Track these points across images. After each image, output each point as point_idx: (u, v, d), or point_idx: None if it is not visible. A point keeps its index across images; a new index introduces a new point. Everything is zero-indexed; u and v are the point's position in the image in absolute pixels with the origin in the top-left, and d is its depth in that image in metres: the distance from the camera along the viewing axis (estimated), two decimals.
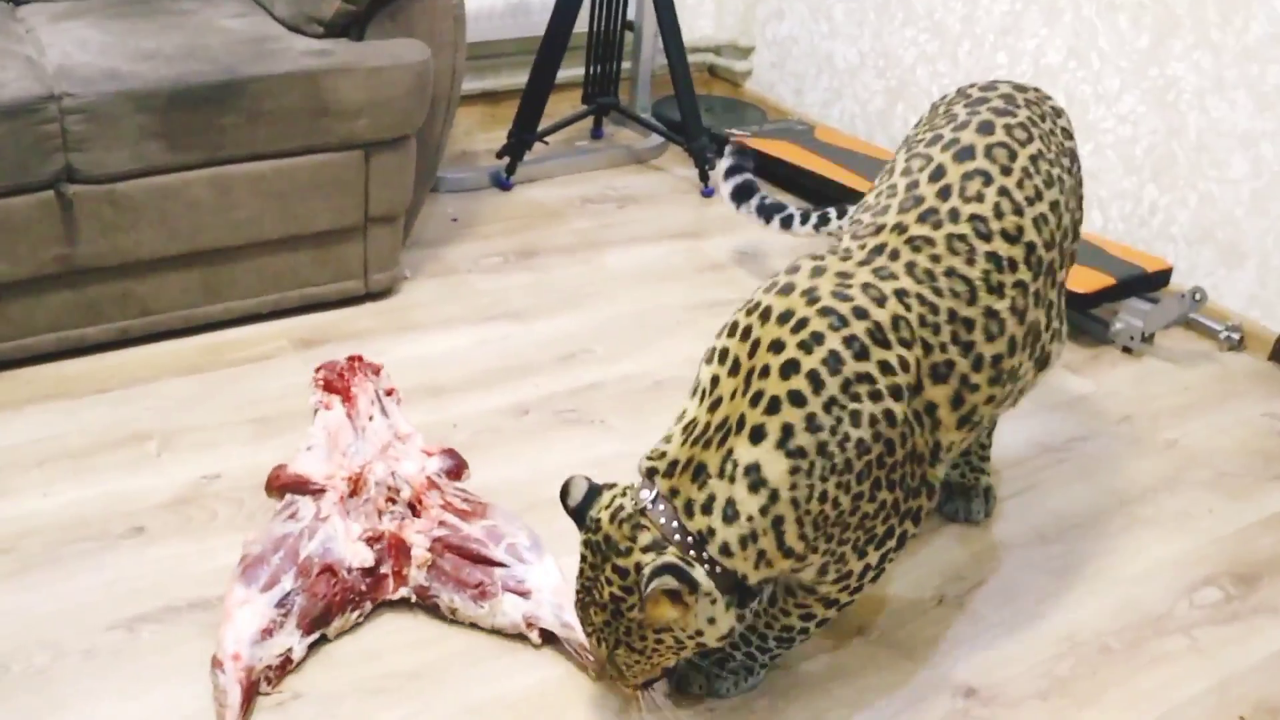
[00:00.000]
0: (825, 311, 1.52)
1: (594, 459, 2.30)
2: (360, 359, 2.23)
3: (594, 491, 1.61)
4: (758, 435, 1.49)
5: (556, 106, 3.81)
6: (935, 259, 1.62)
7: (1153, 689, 1.91)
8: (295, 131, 2.43)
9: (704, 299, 2.91)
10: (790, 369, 1.50)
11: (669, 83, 4.03)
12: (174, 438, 2.26)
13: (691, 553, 1.51)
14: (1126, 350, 2.87)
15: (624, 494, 1.57)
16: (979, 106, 1.78)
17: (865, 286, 1.57)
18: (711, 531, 1.50)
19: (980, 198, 1.66)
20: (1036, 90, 1.89)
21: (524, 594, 1.87)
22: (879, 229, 1.66)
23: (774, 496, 1.49)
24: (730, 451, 1.50)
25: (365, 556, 1.88)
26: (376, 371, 2.23)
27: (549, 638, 1.87)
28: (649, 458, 1.58)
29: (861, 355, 1.52)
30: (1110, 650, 1.98)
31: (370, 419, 2.14)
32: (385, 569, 1.89)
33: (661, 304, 2.87)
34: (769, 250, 3.17)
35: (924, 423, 1.60)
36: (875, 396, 1.51)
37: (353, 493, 1.98)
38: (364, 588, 1.87)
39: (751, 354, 1.53)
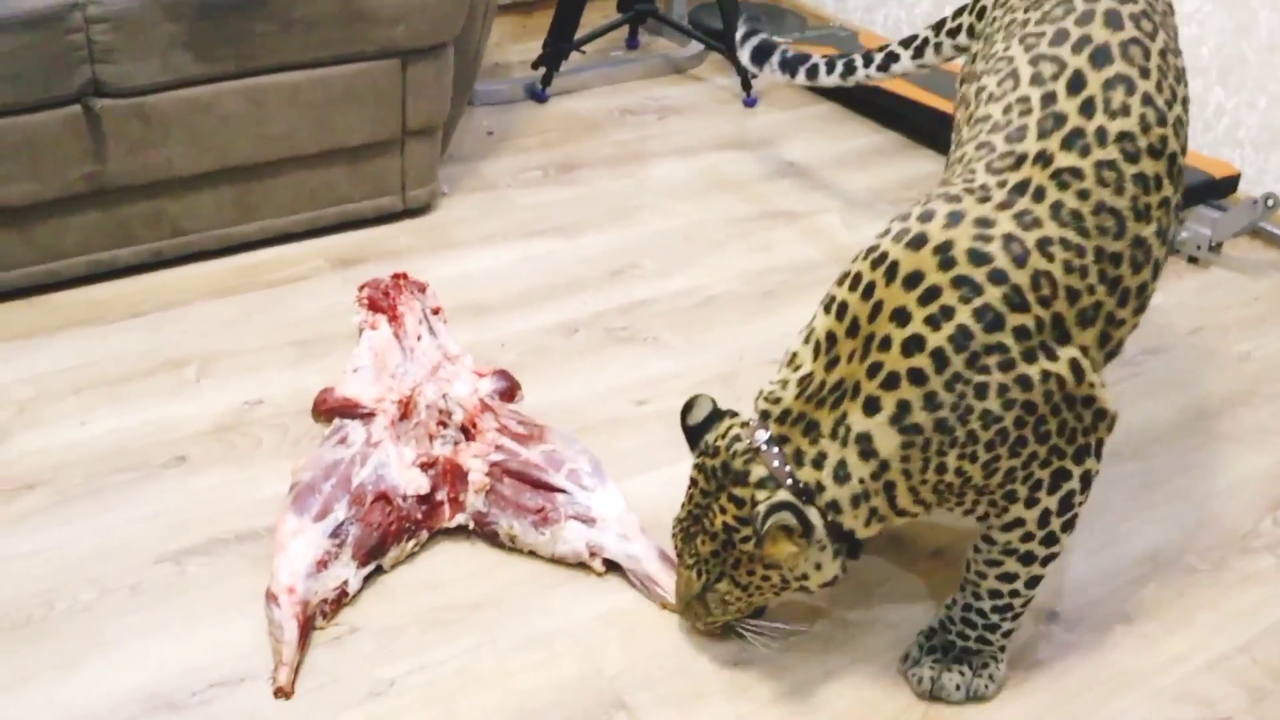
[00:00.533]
0: (958, 281, 1.39)
1: (648, 378, 2.22)
2: (405, 276, 2.14)
3: (716, 415, 1.57)
4: (872, 407, 1.42)
5: (589, 16, 3.66)
6: (1083, 195, 1.46)
7: (1242, 610, 1.83)
8: (329, 39, 2.32)
9: (752, 211, 2.80)
10: (913, 346, 1.40)
11: None
12: (212, 362, 2.17)
13: (801, 499, 1.46)
14: (1193, 260, 2.76)
15: (743, 425, 1.52)
16: None
17: (1007, 240, 1.42)
18: (821, 487, 1.46)
19: (1126, 110, 1.50)
20: None
21: (587, 521, 1.80)
22: (1019, 160, 1.48)
23: (885, 466, 1.44)
24: (845, 415, 1.44)
25: (420, 483, 1.80)
26: (423, 289, 2.15)
27: (612, 567, 1.80)
28: (766, 399, 1.52)
29: (994, 326, 1.39)
30: (1195, 571, 1.90)
31: (418, 339, 2.04)
32: (441, 496, 1.82)
33: (710, 217, 2.76)
34: (819, 161, 3.05)
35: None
36: (1007, 366, 1.39)
37: (403, 416, 1.88)
38: (420, 516, 1.80)
39: (872, 317, 1.43)
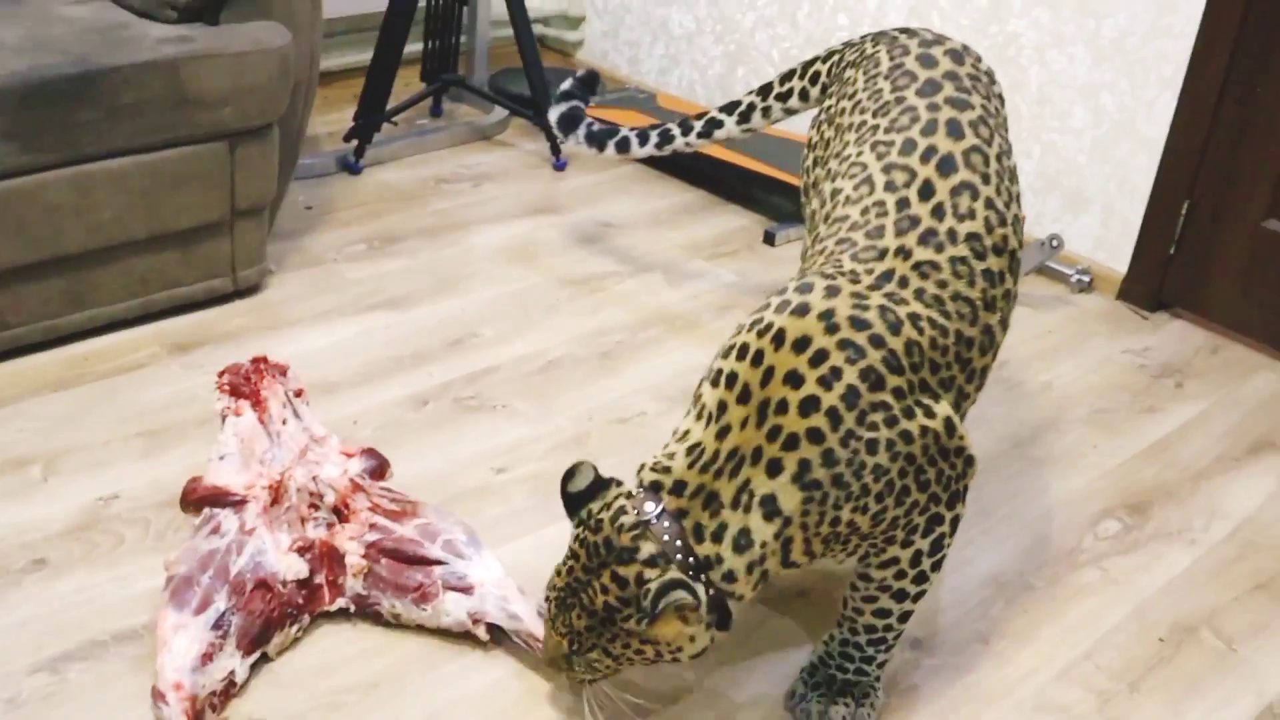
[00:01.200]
0: (844, 345, 1.49)
1: (504, 445, 2.26)
2: (265, 360, 2.11)
3: (598, 484, 1.57)
4: (774, 469, 1.47)
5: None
6: (942, 284, 1.60)
7: (1079, 622, 2.00)
8: (157, 124, 2.29)
9: (579, 273, 2.88)
10: (810, 406, 1.47)
11: (503, 56, 3.96)
12: (58, 460, 2.11)
13: (690, 574, 1.48)
14: None
15: (628, 497, 1.53)
16: (933, 94, 1.76)
17: (883, 310, 1.53)
18: (720, 559, 1.49)
19: (972, 214, 1.65)
20: (964, 49, 1.87)
21: (466, 590, 1.82)
22: (882, 253, 1.61)
23: (787, 522, 1.49)
24: (746, 482, 1.48)
25: (299, 568, 1.80)
26: (284, 372, 2.12)
27: (496, 631, 1.83)
28: (653, 469, 1.54)
29: (878, 386, 1.49)
30: (1033, 588, 2.06)
31: (284, 422, 1.99)
32: (320, 579, 1.82)
33: (538, 282, 2.83)
34: (633, 221, 3.16)
35: None
36: (891, 422, 1.50)
37: (274, 501, 1.86)
38: (301, 600, 1.80)
39: (764, 383, 1.49)
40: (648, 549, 1.47)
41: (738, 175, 3.22)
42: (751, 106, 2.34)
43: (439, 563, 1.83)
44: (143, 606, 1.83)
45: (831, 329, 1.50)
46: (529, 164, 3.44)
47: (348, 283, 2.74)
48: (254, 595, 1.74)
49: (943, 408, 1.56)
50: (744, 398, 1.50)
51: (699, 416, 1.55)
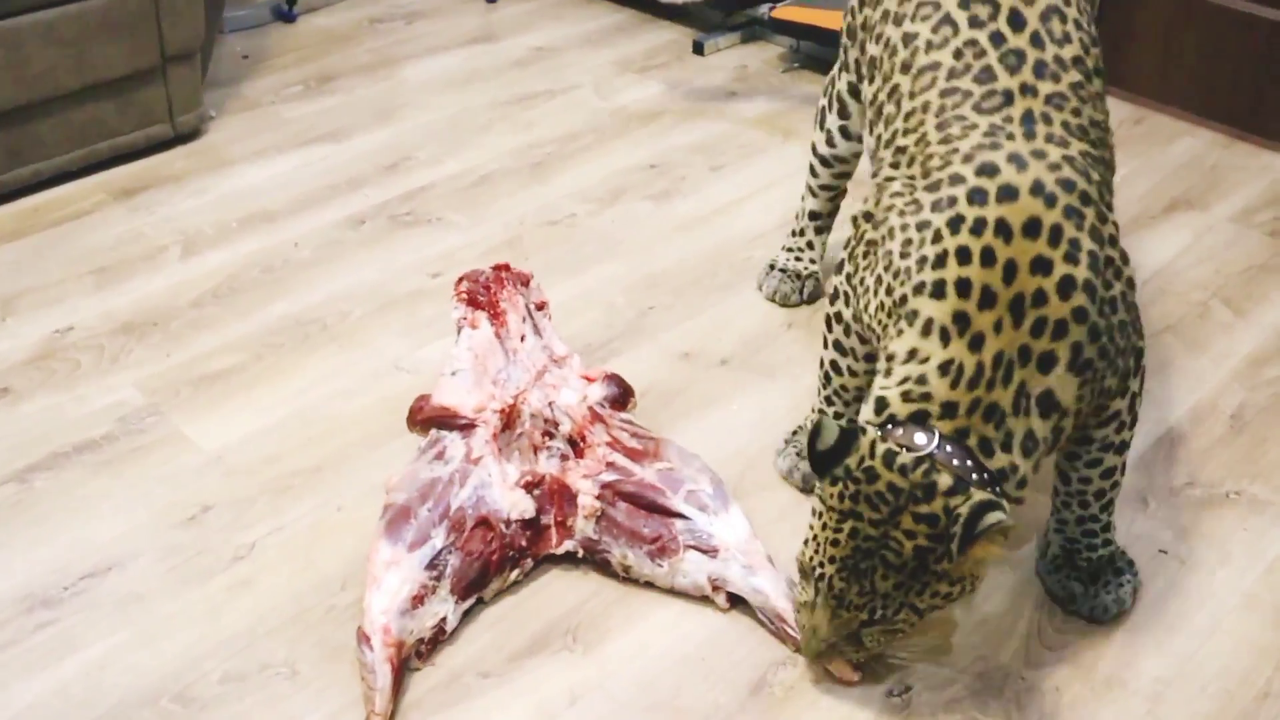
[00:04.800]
0: (1068, 213, 1.42)
1: (439, 253, 2.37)
2: (507, 267, 1.93)
3: (849, 436, 1.40)
4: (1047, 363, 1.41)
5: None
6: (1076, 113, 1.53)
7: None
8: None
9: (510, 95, 2.96)
10: (1068, 287, 1.40)
11: None
12: (13, 301, 2.23)
13: (991, 491, 1.40)
14: None
15: (882, 439, 1.40)
16: None
17: (1070, 161, 1.46)
18: (1014, 468, 1.42)
19: (1068, 38, 1.57)
20: None
21: (709, 551, 1.64)
22: (1007, 95, 1.52)
23: (1064, 414, 1.44)
24: (1022, 385, 1.40)
25: (525, 506, 1.66)
26: (525, 282, 1.93)
27: (735, 601, 1.66)
28: (905, 399, 1.42)
29: (1103, 240, 1.45)
30: None
31: (521, 339, 1.85)
32: (547, 519, 1.68)
33: (470, 106, 2.91)
34: (565, 43, 3.22)
35: None
36: (1118, 274, 1.47)
37: (505, 427, 1.74)
38: (524, 542, 1.66)
39: (1009, 279, 1.39)
40: (944, 480, 1.36)
41: None
42: None
43: (681, 516, 1.67)
44: (100, 420, 1.96)
45: (1050, 201, 1.42)
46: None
47: (285, 122, 2.82)
48: (474, 534, 1.62)
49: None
50: (988, 302, 1.40)
51: (928, 333, 1.43)
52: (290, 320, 2.18)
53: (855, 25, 1.87)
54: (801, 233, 2.25)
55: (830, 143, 2.08)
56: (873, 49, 1.76)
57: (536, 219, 2.49)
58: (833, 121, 2.05)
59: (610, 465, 1.72)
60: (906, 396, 1.43)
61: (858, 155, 2.09)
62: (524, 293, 1.93)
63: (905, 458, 1.37)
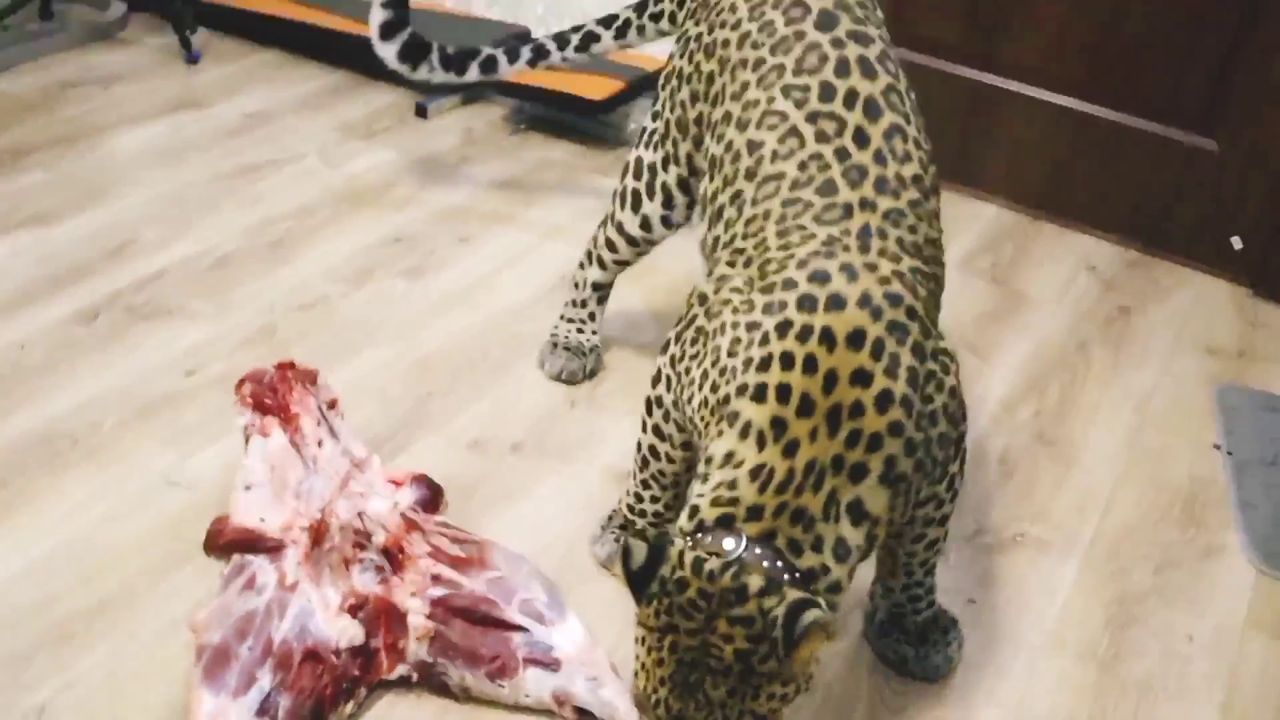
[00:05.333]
0: (892, 328, 1.43)
1: (189, 348, 2.20)
2: (293, 365, 1.79)
3: (657, 551, 1.37)
4: (859, 474, 1.41)
5: None
6: (913, 230, 1.56)
7: None
8: None
9: (233, 165, 2.79)
10: (885, 401, 1.41)
11: None
12: None
13: (803, 589, 1.39)
14: None
15: (691, 548, 1.37)
16: (833, 28, 1.65)
17: (899, 277, 1.48)
18: (825, 569, 1.40)
19: (909, 156, 1.60)
20: None
21: (550, 665, 1.58)
22: (847, 209, 1.54)
23: (875, 523, 1.44)
24: (833, 492, 1.40)
25: (354, 633, 1.56)
26: (313, 380, 1.79)
27: (584, 716, 1.60)
28: (714, 504, 1.41)
29: (925, 356, 1.47)
30: None
31: (319, 444, 1.72)
32: (376, 643, 1.58)
33: (191, 180, 2.73)
34: (279, 108, 3.07)
35: None
36: (940, 386, 1.49)
37: (314, 544, 1.61)
38: (356, 671, 1.55)
39: (829, 389, 1.40)
40: (755, 581, 1.33)
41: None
42: (628, 23, 2.26)
43: (518, 628, 1.60)
44: None
45: (876, 314, 1.43)
46: (159, 60, 3.27)
47: None
48: (303, 669, 1.51)
49: (947, 343, 1.56)
50: (806, 409, 1.40)
51: (745, 436, 1.42)
52: (34, 437, 1.97)
53: (687, 120, 1.86)
54: (583, 304, 2.23)
55: (646, 227, 2.06)
56: (714, 149, 1.75)
57: (287, 304, 2.35)
58: (653, 209, 2.03)
59: (436, 579, 1.63)
60: (716, 501, 1.41)
61: (664, 239, 2.09)
62: (313, 391, 1.81)
63: (713, 563, 1.34)
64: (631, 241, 2.10)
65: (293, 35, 3.30)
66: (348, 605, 1.59)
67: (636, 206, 2.05)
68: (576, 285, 2.23)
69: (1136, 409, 2.38)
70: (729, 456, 1.43)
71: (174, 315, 2.28)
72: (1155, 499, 2.16)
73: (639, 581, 1.36)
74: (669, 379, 1.65)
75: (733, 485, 1.41)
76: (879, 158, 1.57)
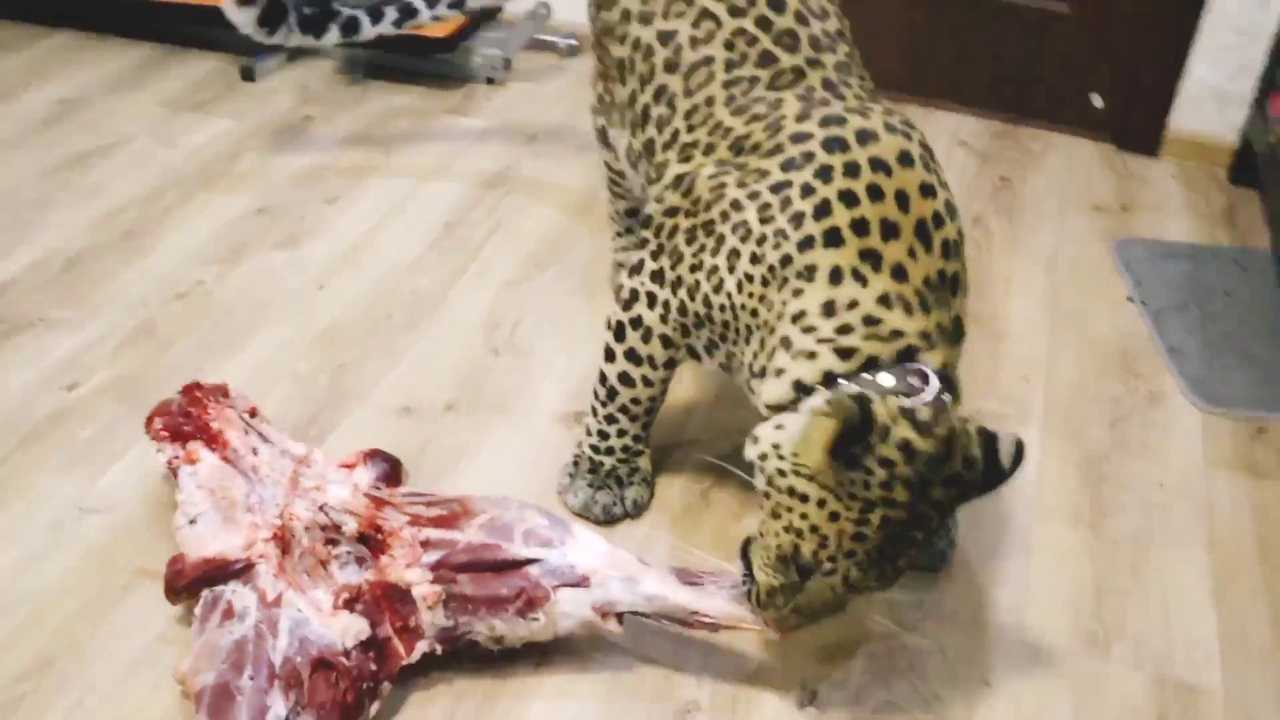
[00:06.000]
0: (922, 144, 1.44)
1: (64, 359, 1.98)
2: (198, 385, 1.66)
3: (867, 409, 1.26)
4: (956, 285, 1.41)
5: None
6: (862, 78, 1.58)
7: None
8: None
9: (57, 158, 2.53)
10: (950, 207, 1.41)
11: None
12: None
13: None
14: (490, 81, 2.95)
15: (886, 396, 1.29)
16: None
17: (886, 111, 1.46)
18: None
19: (824, 12, 1.60)
20: None
21: (579, 582, 1.46)
22: (797, 71, 1.53)
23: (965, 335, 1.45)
24: (953, 309, 1.40)
25: (359, 627, 1.42)
26: (225, 393, 1.67)
27: (624, 621, 1.49)
28: (876, 339, 1.34)
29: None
30: None
31: (254, 452, 1.59)
32: (385, 631, 1.43)
33: (15, 178, 2.46)
34: (92, 91, 2.81)
35: None
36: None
37: (285, 553, 1.48)
38: (373, 666, 1.42)
39: (904, 208, 1.37)
40: (957, 425, 1.29)
41: (192, 15, 2.93)
42: None
43: (531, 561, 1.47)
44: None
45: (907, 135, 1.43)
46: None
47: None
48: (316, 682, 1.36)
49: None
50: (891, 232, 1.36)
51: (836, 281, 1.35)
52: None
53: (599, 30, 1.79)
54: (628, 230, 2.16)
55: (616, 156, 1.98)
56: (619, 50, 1.68)
57: (160, 296, 2.15)
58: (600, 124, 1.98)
59: (427, 544, 1.49)
60: (877, 337, 1.34)
61: None
62: (229, 403, 1.67)
63: (924, 412, 1.27)
64: (618, 173, 2.05)
65: (86, 11, 3.02)
66: (342, 601, 1.45)
67: (603, 138, 2.00)
68: (612, 218, 2.18)
69: (1046, 273, 2.39)
70: (829, 305, 1.36)
71: (36, 327, 2.05)
72: (1090, 357, 2.16)
73: (847, 441, 1.24)
74: (651, 296, 1.55)
75: (872, 320, 1.34)
76: (800, 18, 1.56)
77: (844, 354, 1.35)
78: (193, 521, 1.51)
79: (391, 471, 1.66)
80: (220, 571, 1.45)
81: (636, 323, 1.58)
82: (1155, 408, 2.06)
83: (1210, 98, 2.83)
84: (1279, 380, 2.14)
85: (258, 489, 1.55)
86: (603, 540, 1.51)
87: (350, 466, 1.64)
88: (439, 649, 1.47)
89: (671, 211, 1.53)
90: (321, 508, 1.53)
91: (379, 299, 2.17)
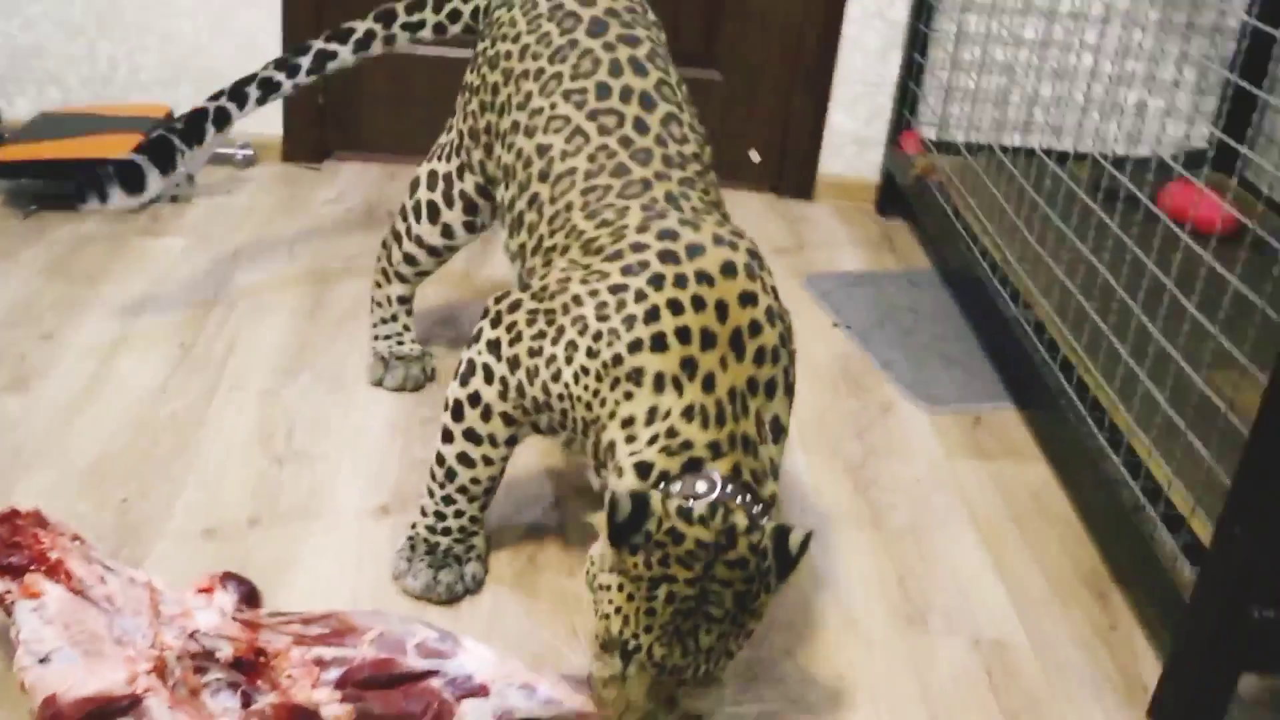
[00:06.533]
0: (749, 254, 1.55)
1: None
2: (14, 512, 1.57)
3: (642, 502, 1.37)
4: (771, 389, 1.50)
5: None
6: (705, 193, 1.70)
7: None
8: None
9: None
10: (770, 315, 1.51)
11: None
12: None
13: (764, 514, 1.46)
14: (174, 200, 2.89)
15: (667, 496, 1.40)
16: (604, 34, 1.80)
17: (719, 223, 1.60)
18: (774, 496, 1.48)
19: (686, 139, 1.74)
20: None
21: (478, 692, 1.47)
22: (645, 182, 1.65)
23: (785, 436, 1.56)
24: (758, 414, 1.48)
25: None
26: (43, 521, 1.57)
27: None
28: (668, 453, 1.44)
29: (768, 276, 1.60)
30: None
31: (102, 580, 1.51)
32: None
33: None
34: None
35: None
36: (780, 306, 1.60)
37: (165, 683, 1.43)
38: None
39: (723, 318, 1.47)
40: (740, 520, 1.38)
41: None
42: (371, 34, 2.13)
43: (429, 673, 1.47)
44: None
45: (733, 246, 1.53)
46: None
47: None
48: None
49: None
50: (709, 342, 1.47)
51: (659, 389, 1.47)
52: None
53: (478, 129, 1.93)
54: (394, 318, 2.24)
55: (449, 234, 2.09)
56: (506, 157, 1.83)
57: None
58: (454, 217, 2.07)
59: (320, 663, 1.47)
60: (668, 451, 1.45)
61: (467, 244, 2.14)
62: (58, 530, 1.57)
63: (700, 508, 1.38)
64: (434, 251, 2.13)
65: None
66: None
67: (434, 217, 2.08)
68: (379, 304, 2.23)
69: None
70: (652, 412, 1.47)
71: None
72: (821, 381, 2.40)
73: (623, 532, 1.37)
74: (488, 370, 1.61)
75: (672, 433, 1.45)
76: (660, 140, 1.72)
77: (642, 469, 1.47)
78: (43, 660, 1.42)
79: (251, 593, 1.63)
80: (104, 710, 1.37)
81: (475, 400, 1.64)
82: (889, 416, 2.31)
83: (850, 143, 3.19)
84: (978, 376, 2.45)
85: (118, 620, 1.48)
86: (489, 648, 1.54)
87: (208, 591, 1.59)
88: None
89: (522, 295, 1.62)
90: (193, 635, 1.48)
91: (138, 429, 2.09)
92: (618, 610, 1.40)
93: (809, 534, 1.42)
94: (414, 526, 1.78)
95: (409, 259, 2.15)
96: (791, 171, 3.20)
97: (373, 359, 2.26)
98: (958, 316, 2.67)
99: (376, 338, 2.25)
